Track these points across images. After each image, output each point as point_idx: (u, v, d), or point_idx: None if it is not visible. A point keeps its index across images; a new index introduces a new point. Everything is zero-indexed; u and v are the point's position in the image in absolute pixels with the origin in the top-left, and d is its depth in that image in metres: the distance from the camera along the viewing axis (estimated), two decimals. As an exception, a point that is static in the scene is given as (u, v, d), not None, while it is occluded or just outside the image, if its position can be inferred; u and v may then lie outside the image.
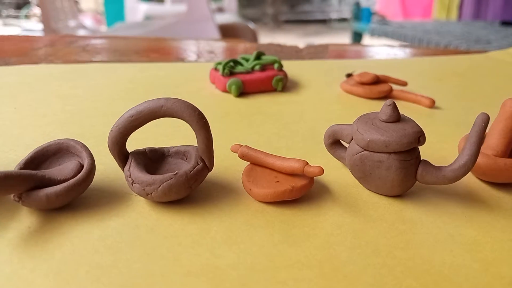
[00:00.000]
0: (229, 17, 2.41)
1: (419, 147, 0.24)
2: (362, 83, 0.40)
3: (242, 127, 0.33)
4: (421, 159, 0.24)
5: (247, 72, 0.40)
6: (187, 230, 0.21)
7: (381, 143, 0.23)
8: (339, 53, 0.60)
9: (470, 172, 0.26)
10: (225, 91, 0.39)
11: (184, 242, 0.20)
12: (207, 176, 0.25)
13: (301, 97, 0.40)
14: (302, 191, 0.23)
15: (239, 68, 0.40)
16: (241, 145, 0.26)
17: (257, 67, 0.41)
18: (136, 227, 0.21)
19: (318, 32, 4.63)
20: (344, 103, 0.39)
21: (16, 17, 3.83)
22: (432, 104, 0.38)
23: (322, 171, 0.23)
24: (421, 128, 0.23)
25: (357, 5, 3.34)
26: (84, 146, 0.24)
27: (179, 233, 0.21)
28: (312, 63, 0.52)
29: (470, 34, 2.09)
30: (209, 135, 0.22)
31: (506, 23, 2.36)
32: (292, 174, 0.24)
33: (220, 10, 2.67)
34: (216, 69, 0.41)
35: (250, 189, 0.23)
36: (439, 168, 0.23)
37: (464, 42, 1.79)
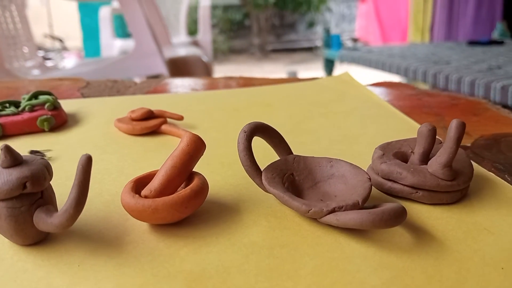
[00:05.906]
0: (186, 50, 2.37)
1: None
2: (133, 119, 0.39)
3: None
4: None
5: (14, 114, 0.39)
6: None
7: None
8: (164, 88, 0.60)
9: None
10: (-13, 134, 0.38)
11: None
12: None
13: (64, 137, 0.38)
14: None
15: (6, 111, 0.39)
16: None
17: (27, 108, 0.40)
18: None
19: (304, 59, 4.68)
20: (106, 141, 0.37)
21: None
22: (190, 139, 0.37)
23: None
24: (33, 173, 0.22)
25: (327, 32, 3.30)
26: None
27: None
28: (114, 99, 0.50)
29: (434, 55, 2.12)
30: None
31: (473, 43, 2.44)
32: None
33: (195, 44, 2.62)
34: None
35: None
36: (52, 215, 0.22)
37: (423, 64, 1.83)
